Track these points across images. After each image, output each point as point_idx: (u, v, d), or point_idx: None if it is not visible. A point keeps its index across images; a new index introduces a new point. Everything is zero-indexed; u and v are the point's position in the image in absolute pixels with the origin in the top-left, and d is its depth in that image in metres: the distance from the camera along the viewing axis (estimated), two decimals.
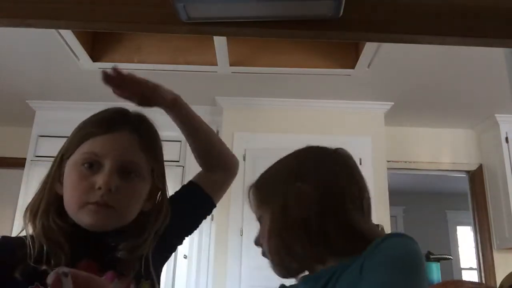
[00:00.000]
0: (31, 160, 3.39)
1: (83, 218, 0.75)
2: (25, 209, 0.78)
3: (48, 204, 0.77)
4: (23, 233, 0.77)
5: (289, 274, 0.75)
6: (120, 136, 0.79)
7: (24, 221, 0.77)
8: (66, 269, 0.50)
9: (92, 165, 0.76)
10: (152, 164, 0.82)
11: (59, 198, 0.78)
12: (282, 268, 0.75)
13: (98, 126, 0.79)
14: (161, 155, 0.87)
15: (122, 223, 0.79)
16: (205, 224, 3.28)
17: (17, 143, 3.68)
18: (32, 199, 0.79)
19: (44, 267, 0.70)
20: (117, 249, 0.76)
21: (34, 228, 0.75)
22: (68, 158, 0.79)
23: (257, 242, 0.78)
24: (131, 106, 0.87)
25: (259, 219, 0.79)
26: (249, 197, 0.81)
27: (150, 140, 0.83)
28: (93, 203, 0.74)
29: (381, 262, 0.63)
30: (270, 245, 0.75)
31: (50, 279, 0.49)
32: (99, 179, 0.74)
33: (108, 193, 0.74)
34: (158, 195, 0.86)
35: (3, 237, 0.78)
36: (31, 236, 0.75)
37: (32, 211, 0.77)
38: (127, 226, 0.79)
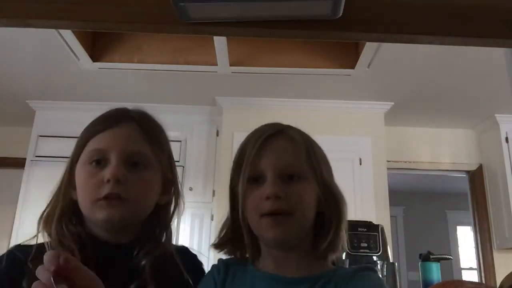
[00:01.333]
0: (31, 160, 3.39)
1: (97, 214, 0.75)
2: (39, 217, 0.78)
3: (63, 210, 0.78)
4: (33, 240, 0.77)
5: (287, 244, 0.72)
6: (123, 129, 0.79)
7: (38, 228, 0.77)
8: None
9: (99, 161, 0.77)
10: (158, 155, 0.81)
11: (74, 203, 0.79)
12: (292, 235, 0.70)
13: (100, 124, 0.80)
14: (167, 145, 0.86)
15: (137, 216, 0.79)
16: (205, 224, 3.30)
17: (17, 143, 3.68)
18: (46, 207, 0.79)
19: None
20: (138, 257, 0.76)
21: (49, 235, 0.75)
22: (77, 161, 0.80)
23: (277, 193, 0.69)
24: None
25: (296, 174, 0.71)
26: (285, 141, 0.74)
27: (153, 131, 0.83)
28: (105, 198, 0.74)
29: None
30: (305, 211, 0.70)
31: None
32: (107, 172, 0.75)
33: (118, 184, 0.74)
34: (172, 188, 0.85)
35: (14, 251, 0.76)
36: (46, 243, 0.75)
37: (47, 219, 0.77)
38: (143, 226, 0.80)
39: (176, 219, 0.86)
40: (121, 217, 0.75)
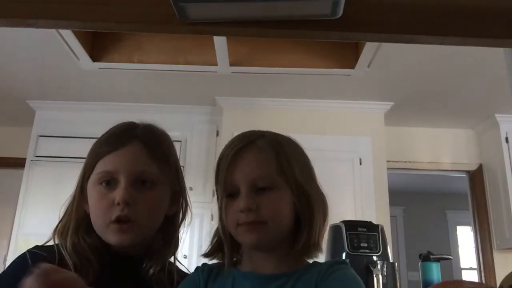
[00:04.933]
0: (31, 160, 3.39)
1: (110, 238, 0.78)
2: (54, 229, 0.82)
3: (78, 223, 0.81)
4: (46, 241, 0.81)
5: (265, 247, 0.75)
6: (129, 149, 0.82)
7: (54, 240, 0.81)
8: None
9: (109, 182, 0.80)
10: (165, 171, 0.84)
11: (88, 217, 0.82)
12: (268, 240, 0.74)
13: (107, 145, 0.83)
14: (174, 159, 0.89)
15: (149, 233, 0.83)
16: (205, 223, 3.30)
17: (17, 143, 3.68)
18: (61, 219, 0.83)
19: None
20: (146, 268, 0.80)
21: (65, 246, 0.78)
22: (87, 179, 0.83)
23: (249, 206, 0.72)
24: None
25: (266, 185, 0.74)
26: (255, 152, 0.76)
27: (159, 148, 0.86)
28: (116, 221, 0.78)
29: None
30: (279, 219, 0.73)
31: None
32: (117, 195, 0.78)
33: (127, 207, 0.78)
34: (180, 199, 0.89)
35: (36, 250, 0.79)
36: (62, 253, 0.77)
37: (63, 232, 0.81)
38: (154, 236, 0.84)
39: (183, 228, 0.90)
40: (132, 241, 0.79)
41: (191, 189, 3.25)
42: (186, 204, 0.90)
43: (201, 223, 3.23)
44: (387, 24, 0.80)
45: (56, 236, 0.81)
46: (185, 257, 3.13)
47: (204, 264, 0.81)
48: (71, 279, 0.56)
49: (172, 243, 0.86)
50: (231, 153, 0.76)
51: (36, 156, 3.38)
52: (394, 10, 0.80)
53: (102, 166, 0.81)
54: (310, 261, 0.78)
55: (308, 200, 0.76)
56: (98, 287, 0.70)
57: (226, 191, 0.76)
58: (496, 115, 3.46)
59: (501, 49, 1.22)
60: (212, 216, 3.21)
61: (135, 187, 0.80)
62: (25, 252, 0.78)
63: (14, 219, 3.23)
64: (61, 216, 0.83)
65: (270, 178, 0.74)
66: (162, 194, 0.84)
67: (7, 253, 3.28)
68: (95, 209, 0.80)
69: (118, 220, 0.77)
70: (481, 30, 0.81)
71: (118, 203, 0.77)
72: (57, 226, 0.82)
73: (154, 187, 0.82)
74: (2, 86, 3.23)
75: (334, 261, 0.76)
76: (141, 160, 0.82)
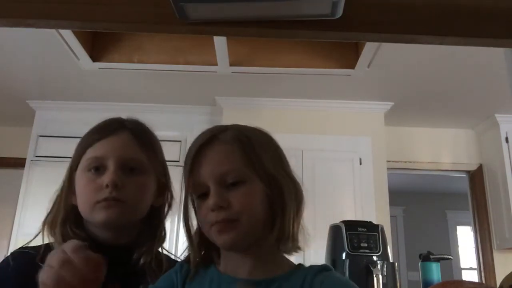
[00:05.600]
0: (31, 160, 3.39)
1: (96, 215, 0.80)
2: (43, 221, 0.84)
3: (66, 215, 0.83)
4: (31, 242, 0.83)
5: (240, 246, 0.71)
6: (119, 137, 0.85)
7: (42, 232, 0.82)
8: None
9: (98, 168, 0.82)
10: (152, 161, 0.87)
11: (75, 209, 0.84)
12: (242, 238, 0.69)
13: (97, 133, 0.85)
14: (160, 152, 0.91)
15: (134, 217, 0.84)
16: None
17: (17, 143, 3.68)
18: (49, 213, 0.85)
19: None
20: (136, 257, 0.82)
21: (54, 238, 0.80)
22: (75, 169, 0.85)
23: (219, 203, 0.69)
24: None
25: (235, 180, 0.70)
26: (220, 149, 0.72)
27: (147, 139, 0.88)
28: (103, 200, 0.79)
29: None
30: (252, 213, 0.69)
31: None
32: (106, 178, 0.80)
33: (116, 189, 0.79)
34: (166, 192, 0.91)
35: (21, 250, 0.82)
36: (51, 244, 0.80)
37: (51, 224, 0.82)
38: (140, 227, 0.85)
39: (169, 219, 0.91)
40: (119, 217, 0.80)
41: None
42: (171, 197, 0.91)
43: None
44: (387, 24, 0.80)
45: (45, 228, 0.82)
46: None
47: (181, 264, 0.77)
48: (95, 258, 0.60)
49: (157, 234, 0.88)
50: (193, 152, 0.72)
51: (36, 156, 3.39)
52: (394, 10, 0.80)
53: (91, 152, 0.83)
54: (290, 264, 0.73)
55: (280, 188, 0.71)
56: None
57: (196, 192, 0.72)
58: (496, 115, 3.46)
59: (501, 49, 1.22)
60: None
61: (123, 172, 0.82)
62: (8, 256, 0.80)
63: (14, 219, 3.24)
64: (49, 209, 0.85)
65: (238, 171, 0.70)
66: (149, 182, 0.86)
67: (7, 253, 3.26)
68: (83, 193, 0.82)
69: (106, 200, 0.79)
70: (481, 30, 0.81)
71: (107, 186, 0.79)
72: (46, 218, 0.84)
73: (141, 175, 0.84)
74: (2, 86, 3.23)
75: (318, 269, 0.70)
76: (130, 148, 0.84)
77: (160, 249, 0.89)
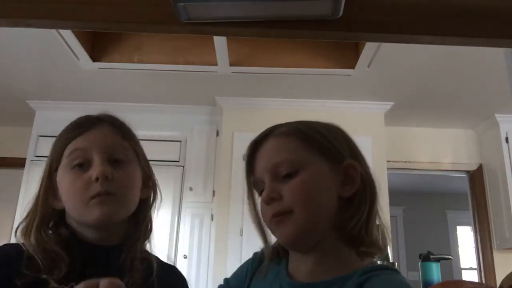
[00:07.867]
0: (31, 160, 3.39)
1: (91, 213, 0.75)
2: (15, 230, 0.78)
3: (42, 220, 0.77)
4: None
5: (301, 242, 0.66)
6: (99, 130, 0.81)
7: (18, 239, 0.76)
8: None
9: (82, 164, 0.77)
10: (136, 149, 0.84)
11: (56, 213, 0.79)
12: (306, 231, 0.64)
13: (75, 129, 0.81)
14: (141, 148, 0.87)
15: (127, 211, 0.80)
16: (205, 224, 3.30)
17: (17, 143, 3.68)
18: (23, 219, 0.78)
19: (44, 276, 0.69)
20: (125, 256, 0.77)
21: (29, 244, 0.74)
22: (56, 169, 0.80)
23: (272, 195, 0.65)
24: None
25: (293, 171, 0.66)
26: (275, 142, 0.70)
27: (127, 130, 0.85)
28: (96, 196, 0.74)
29: None
30: (308, 203, 0.64)
31: None
32: (94, 171, 0.75)
33: (107, 181, 0.75)
34: (150, 182, 0.87)
35: (3, 247, 0.76)
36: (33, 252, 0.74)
37: (26, 231, 0.76)
38: (129, 223, 0.82)
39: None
40: (113, 213, 0.76)
41: (191, 189, 3.25)
42: (156, 187, 0.87)
43: (201, 223, 3.23)
44: (387, 24, 0.80)
45: (20, 236, 0.76)
46: (185, 257, 3.13)
47: (256, 253, 0.75)
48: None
49: (143, 226, 0.84)
50: (249, 150, 0.72)
51: (36, 156, 3.38)
52: (394, 10, 0.80)
53: (72, 147, 0.78)
54: (358, 265, 0.66)
55: (351, 177, 0.66)
56: (74, 279, 0.65)
57: (257, 190, 0.70)
58: (496, 115, 3.46)
59: (501, 49, 1.22)
60: (212, 216, 3.21)
61: (110, 164, 0.77)
62: None
63: (14, 219, 3.23)
64: (23, 217, 0.79)
65: (292, 161, 0.67)
66: (136, 173, 0.82)
67: None
68: (70, 192, 0.77)
69: (99, 195, 0.74)
70: (481, 30, 0.81)
71: (97, 179, 0.74)
72: (18, 226, 0.78)
73: (128, 165, 0.80)
74: (2, 86, 3.23)
75: (372, 268, 0.63)
76: (112, 139, 0.81)
77: (148, 247, 0.85)
